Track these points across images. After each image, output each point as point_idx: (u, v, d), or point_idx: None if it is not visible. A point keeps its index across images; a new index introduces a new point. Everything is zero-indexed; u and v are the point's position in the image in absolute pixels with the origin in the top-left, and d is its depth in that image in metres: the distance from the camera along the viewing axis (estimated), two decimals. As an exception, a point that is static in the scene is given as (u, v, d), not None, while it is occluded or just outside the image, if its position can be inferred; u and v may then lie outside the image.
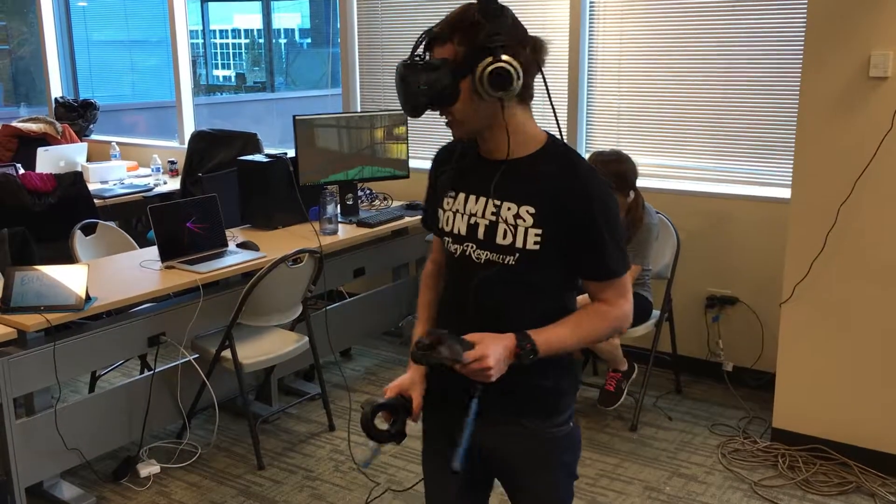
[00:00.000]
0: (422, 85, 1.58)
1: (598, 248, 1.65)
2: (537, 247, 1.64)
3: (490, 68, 1.55)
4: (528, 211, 1.64)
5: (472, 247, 1.70)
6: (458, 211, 1.73)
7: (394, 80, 1.64)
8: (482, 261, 1.69)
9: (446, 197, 1.75)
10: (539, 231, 1.63)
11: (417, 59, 1.60)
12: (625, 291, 1.70)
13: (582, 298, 1.76)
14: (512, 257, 1.66)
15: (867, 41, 3.02)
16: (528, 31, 1.64)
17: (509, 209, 1.66)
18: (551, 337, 1.63)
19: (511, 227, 1.65)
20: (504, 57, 1.55)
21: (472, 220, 1.70)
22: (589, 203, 1.62)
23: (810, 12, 3.13)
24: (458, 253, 1.73)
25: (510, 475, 1.82)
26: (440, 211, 1.78)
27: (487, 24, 1.56)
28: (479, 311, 1.69)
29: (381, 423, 1.70)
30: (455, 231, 1.73)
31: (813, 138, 3.20)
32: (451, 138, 1.75)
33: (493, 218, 1.67)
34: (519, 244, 1.64)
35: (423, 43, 1.62)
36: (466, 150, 1.75)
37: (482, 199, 1.69)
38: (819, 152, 3.19)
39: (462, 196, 1.72)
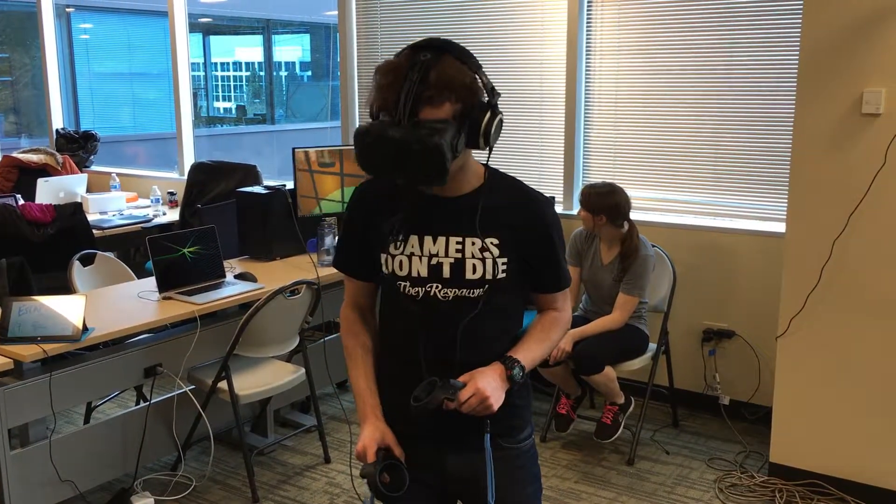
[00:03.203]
0: (447, 148, 1.54)
1: (555, 264, 1.78)
2: (504, 274, 1.71)
3: (495, 122, 1.62)
4: (492, 242, 1.70)
5: (436, 287, 1.71)
6: (413, 254, 1.72)
7: (388, 149, 1.54)
8: (450, 298, 1.71)
9: (393, 241, 1.73)
10: (505, 259, 1.71)
11: (420, 121, 1.54)
12: (568, 295, 1.86)
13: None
14: (481, 289, 1.71)
15: (859, 78, 3.07)
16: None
17: (473, 244, 1.70)
18: (528, 354, 1.74)
19: (479, 261, 1.70)
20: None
21: (435, 261, 1.71)
22: (545, 226, 1.74)
23: (803, 50, 3.17)
24: (421, 295, 1.72)
25: (483, 496, 1.81)
26: (385, 256, 1.74)
27: (479, 78, 1.61)
28: (454, 345, 1.72)
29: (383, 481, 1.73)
30: (414, 274, 1.72)
31: (807, 173, 3.23)
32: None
33: (459, 255, 1.70)
34: (489, 276, 1.71)
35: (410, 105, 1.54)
36: (402, 192, 1.71)
37: (441, 239, 1.71)
38: (813, 187, 3.22)
39: (415, 238, 1.72)
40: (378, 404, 1.78)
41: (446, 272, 1.70)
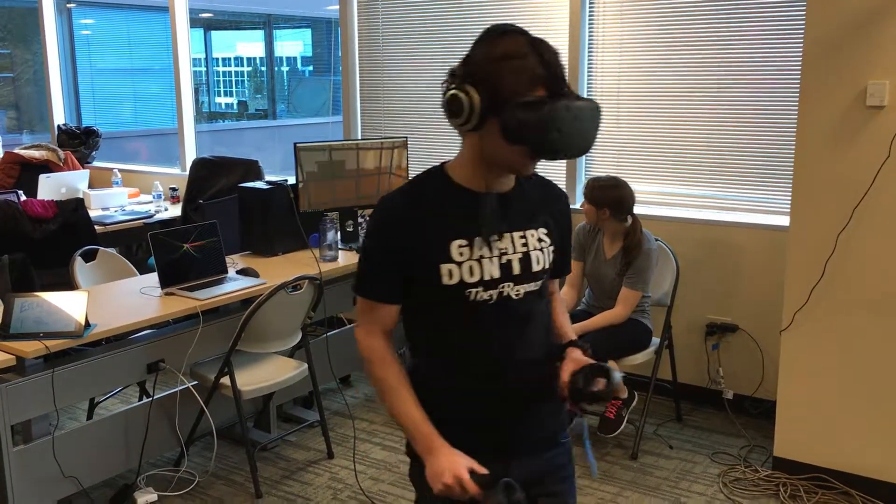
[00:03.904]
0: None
1: (569, 250, 1.88)
2: (552, 263, 1.75)
3: None
4: (544, 232, 1.73)
5: (509, 286, 1.66)
6: (483, 256, 1.64)
7: (575, 121, 1.54)
8: (521, 295, 1.68)
9: (457, 248, 1.63)
10: (553, 248, 1.75)
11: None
12: None
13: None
14: (541, 280, 1.72)
15: (863, 71, 3.05)
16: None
17: (533, 235, 1.71)
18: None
19: (540, 252, 1.71)
20: None
21: (504, 259, 1.66)
22: (568, 215, 1.83)
23: (807, 42, 3.16)
24: (495, 298, 1.66)
25: (548, 495, 1.78)
26: (447, 267, 1.62)
27: None
28: (530, 340, 1.72)
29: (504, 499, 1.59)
30: (486, 277, 1.64)
31: (811, 167, 3.21)
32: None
33: (525, 249, 1.68)
34: (546, 265, 1.73)
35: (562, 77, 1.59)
36: (447, 196, 1.65)
37: (507, 235, 1.66)
38: (817, 180, 3.20)
39: (479, 240, 1.64)
40: (436, 430, 1.65)
41: (516, 268, 1.67)
